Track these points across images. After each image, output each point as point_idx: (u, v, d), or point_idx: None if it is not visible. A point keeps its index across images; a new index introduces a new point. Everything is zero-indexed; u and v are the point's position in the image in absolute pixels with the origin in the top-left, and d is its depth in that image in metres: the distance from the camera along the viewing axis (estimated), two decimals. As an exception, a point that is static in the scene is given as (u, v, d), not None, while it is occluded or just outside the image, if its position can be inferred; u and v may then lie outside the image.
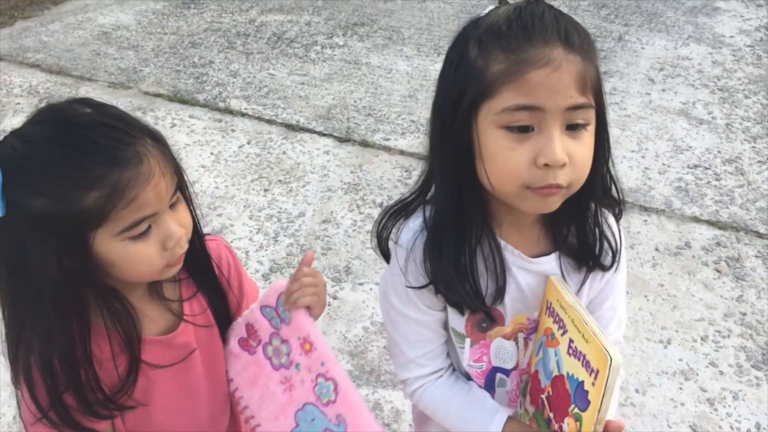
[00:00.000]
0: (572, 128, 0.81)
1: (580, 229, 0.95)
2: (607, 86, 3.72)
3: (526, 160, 0.81)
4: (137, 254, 0.83)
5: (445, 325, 1.01)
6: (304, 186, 2.85)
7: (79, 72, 3.68)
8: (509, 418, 0.99)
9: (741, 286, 2.40)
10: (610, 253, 0.97)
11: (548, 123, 0.80)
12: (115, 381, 0.91)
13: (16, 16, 4.38)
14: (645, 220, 2.70)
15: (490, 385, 1.03)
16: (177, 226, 0.86)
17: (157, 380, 0.96)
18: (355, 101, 3.50)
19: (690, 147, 3.17)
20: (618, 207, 0.99)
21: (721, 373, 2.08)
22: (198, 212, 0.96)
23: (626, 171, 2.99)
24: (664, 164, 3.05)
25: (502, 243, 0.94)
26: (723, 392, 2.01)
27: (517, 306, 0.97)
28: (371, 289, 2.33)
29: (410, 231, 0.95)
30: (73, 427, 0.88)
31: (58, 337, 0.83)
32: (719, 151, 3.15)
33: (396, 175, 2.93)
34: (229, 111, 3.36)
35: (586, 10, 4.65)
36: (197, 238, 0.97)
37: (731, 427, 1.92)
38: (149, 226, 0.84)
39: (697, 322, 2.25)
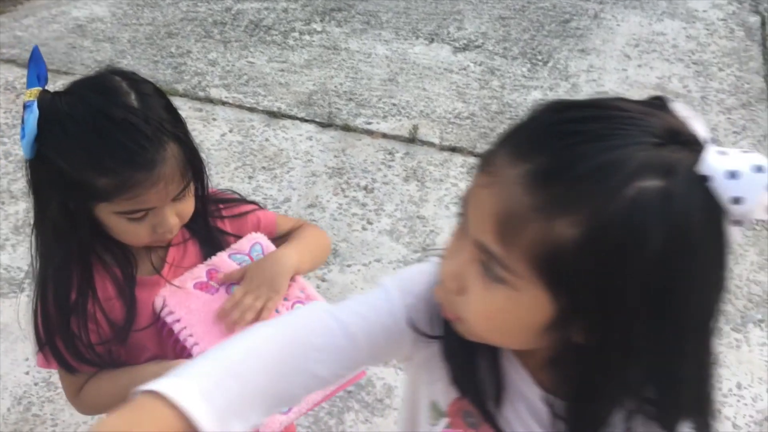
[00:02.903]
0: (486, 269, 0.58)
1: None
2: (584, 63, 3.78)
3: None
4: (128, 230, 0.92)
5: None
6: (288, 172, 2.86)
7: (56, 66, 3.64)
8: None
9: (719, 254, 2.46)
10: None
11: (468, 237, 0.60)
12: (111, 325, 0.98)
13: (-12, 11, 4.32)
14: (625, 193, 2.75)
15: None
16: (173, 218, 0.94)
17: (144, 339, 1.02)
18: (335, 86, 3.51)
19: (667, 120, 3.23)
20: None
21: (703, 337, 2.14)
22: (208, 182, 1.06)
23: (605, 146, 3.04)
24: (642, 138, 3.10)
25: (511, 358, 0.71)
26: (704, 355, 2.07)
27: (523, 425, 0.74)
28: (359, 270, 2.36)
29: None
30: (63, 365, 0.98)
31: (59, 272, 0.93)
32: (695, 124, 3.21)
33: (379, 158, 2.96)
34: (210, 100, 3.36)
35: (562, -11, 4.68)
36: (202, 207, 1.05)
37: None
38: (146, 213, 0.92)
39: (678, 289, 2.31)
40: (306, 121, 3.22)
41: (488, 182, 0.56)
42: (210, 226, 1.07)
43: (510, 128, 0.60)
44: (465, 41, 3.96)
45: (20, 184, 2.75)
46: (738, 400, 1.95)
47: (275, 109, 3.30)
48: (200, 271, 1.03)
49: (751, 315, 2.21)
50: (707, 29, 4.11)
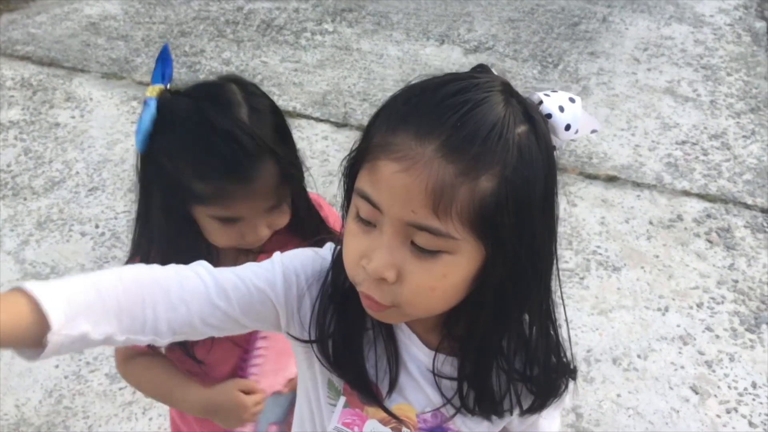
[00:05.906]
0: (418, 248, 0.62)
1: (478, 368, 0.73)
2: (593, 67, 3.82)
3: (357, 254, 0.65)
4: (218, 232, 0.95)
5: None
6: (305, 171, 2.89)
7: (71, 63, 3.67)
8: None
9: (732, 255, 2.50)
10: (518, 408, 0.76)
11: (385, 226, 0.63)
12: None
13: (1, 8, 4.34)
14: (638, 195, 2.79)
15: None
16: (263, 230, 0.96)
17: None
18: (349, 87, 3.55)
19: (677, 124, 3.27)
20: (566, 375, 0.77)
21: (717, 337, 2.18)
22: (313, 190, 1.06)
23: (617, 149, 3.08)
24: (653, 141, 3.14)
25: (402, 326, 0.77)
26: (720, 354, 2.12)
27: (402, 393, 0.78)
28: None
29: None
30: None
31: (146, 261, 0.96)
32: (705, 127, 3.26)
33: (395, 158, 2.99)
34: (225, 99, 3.39)
35: (570, -8, 4.73)
36: (307, 210, 1.07)
37: (729, 387, 2.02)
38: (237, 221, 0.95)
39: (693, 290, 2.35)
40: (321, 120, 3.25)
41: (403, 167, 0.59)
42: (315, 227, 1.08)
43: (388, 119, 0.64)
44: (476, 43, 4.00)
45: (41, 180, 2.77)
46: (753, 399, 1.99)
47: (290, 109, 3.33)
48: None
49: (765, 316, 2.25)
50: (714, 34, 4.16)
